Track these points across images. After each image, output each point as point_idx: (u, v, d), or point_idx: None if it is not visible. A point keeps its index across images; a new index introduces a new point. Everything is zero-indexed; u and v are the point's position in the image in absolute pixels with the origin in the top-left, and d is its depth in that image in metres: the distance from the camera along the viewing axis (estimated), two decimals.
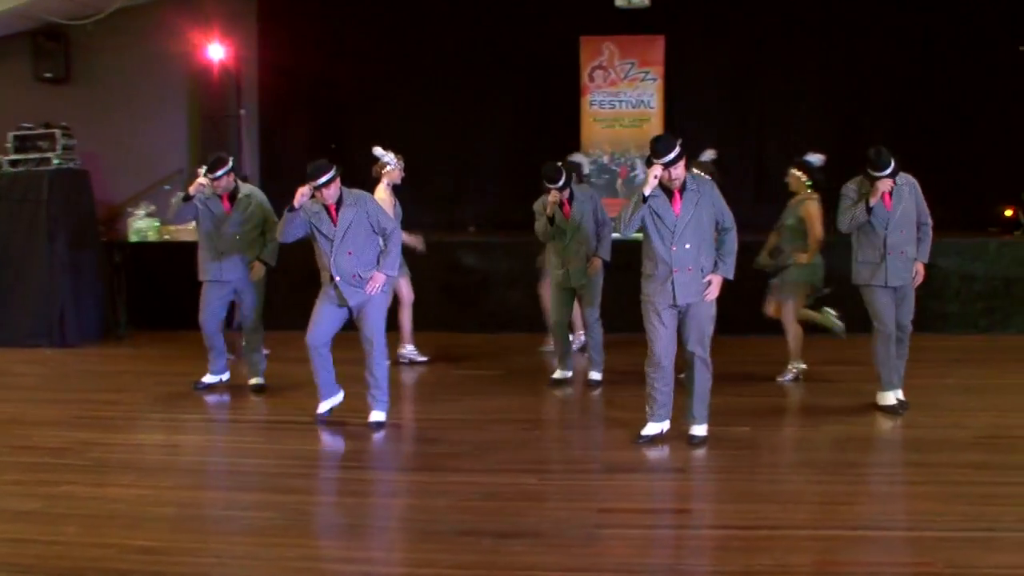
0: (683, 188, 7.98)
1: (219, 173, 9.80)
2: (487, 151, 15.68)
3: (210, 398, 10.14)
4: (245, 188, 10.21)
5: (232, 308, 10.80)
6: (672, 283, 7.98)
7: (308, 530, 6.74)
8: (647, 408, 8.31)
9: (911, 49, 15.14)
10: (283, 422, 9.02)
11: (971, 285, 12.76)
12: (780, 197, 14.22)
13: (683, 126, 15.30)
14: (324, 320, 8.79)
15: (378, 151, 10.51)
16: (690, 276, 7.99)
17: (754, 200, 15.34)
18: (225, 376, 10.57)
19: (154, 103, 15.69)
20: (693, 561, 6.01)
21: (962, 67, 15.01)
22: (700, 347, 8.17)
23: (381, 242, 8.85)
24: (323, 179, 8.44)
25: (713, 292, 8.02)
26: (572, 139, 14.85)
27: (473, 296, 11.11)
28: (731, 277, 8.13)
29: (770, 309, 10.38)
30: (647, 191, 7.81)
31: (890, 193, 8.90)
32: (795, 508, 6.81)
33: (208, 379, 10.46)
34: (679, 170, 7.88)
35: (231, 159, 10.09)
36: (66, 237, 12.78)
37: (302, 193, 8.53)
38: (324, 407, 9.09)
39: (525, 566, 5.95)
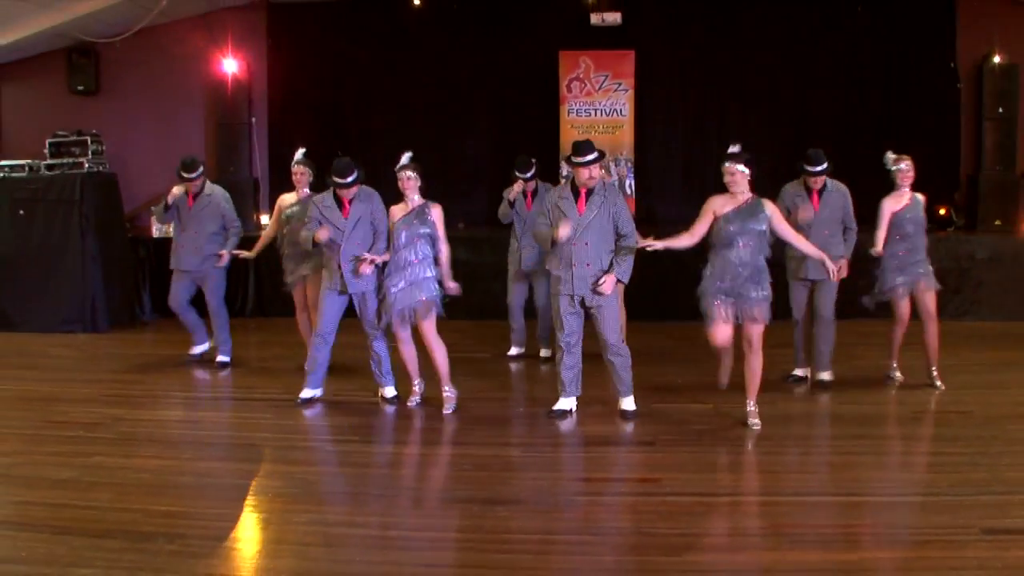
0: (590, 192, 8.05)
1: (194, 174, 10.16)
2: (475, 155, 15.67)
3: (223, 378, 10.12)
4: (207, 188, 10.42)
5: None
6: (572, 276, 8.04)
7: (315, 497, 6.73)
8: (558, 386, 8.43)
9: (855, 64, 15.18)
10: (291, 400, 8.98)
11: None
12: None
13: (652, 132, 15.41)
14: (329, 310, 8.74)
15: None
16: (588, 271, 8.03)
17: None
18: (205, 346, 10.82)
19: (174, 112, 15.67)
20: (662, 525, 6.01)
21: (900, 81, 15.08)
22: (612, 335, 8.19)
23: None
24: (348, 179, 8.52)
25: (605, 287, 7.98)
26: (552, 145, 14.86)
27: (462, 286, 11.05)
28: (624, 280, 8.14)
29: None
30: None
31: (819, 195, 9.01)
32: (752, 477, 6.86)
33: (194, 350, 10.79)
34: (592, 172, 8.00)
35: (201, 163, 10.39)
36: (96, 233, 12.73)
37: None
38: (308, 394, 8.96)
39: (510, 530, 5.98)
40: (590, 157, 7.97)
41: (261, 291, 12.92)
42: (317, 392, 8.97)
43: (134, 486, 6.72)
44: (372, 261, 8.50)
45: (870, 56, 15.17)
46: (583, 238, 8.00)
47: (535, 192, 10.27)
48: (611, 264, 8.05)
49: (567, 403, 8.42)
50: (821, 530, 5.92)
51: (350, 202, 8.64)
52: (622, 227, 8.09)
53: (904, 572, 5.35)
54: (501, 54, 15.69)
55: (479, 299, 11.26)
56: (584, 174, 8.00)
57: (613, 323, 8.16)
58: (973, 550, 5.54)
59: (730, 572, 5.39)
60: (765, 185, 15.15)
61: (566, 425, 8.21)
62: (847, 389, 9.25)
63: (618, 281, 8.08)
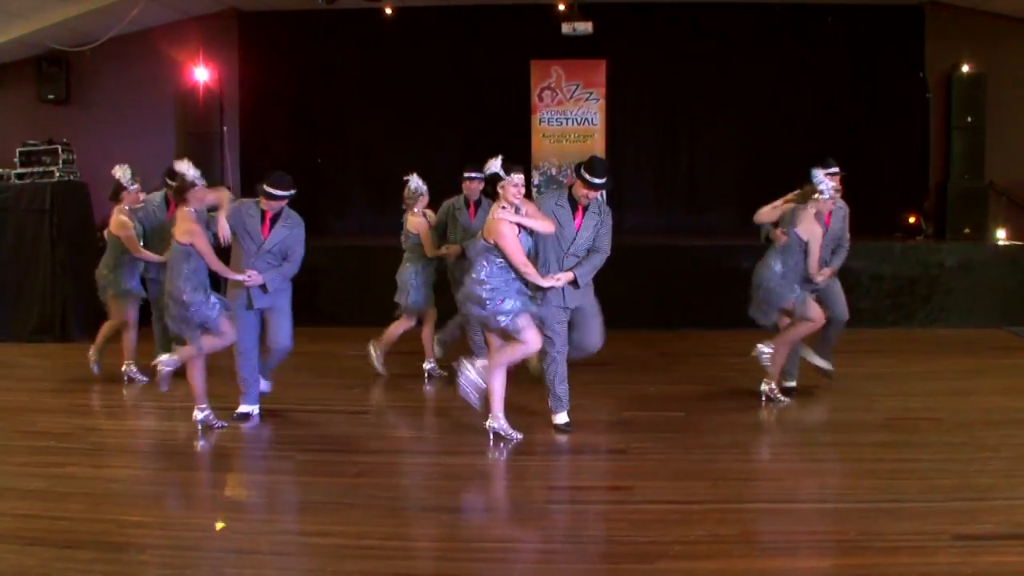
0: (586, 208, 8.02)
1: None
2: (447, 164, 15.64)
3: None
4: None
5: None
6: (564, 288, 7.91)
7: (285, 507, 6.74)
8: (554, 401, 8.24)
9: (826, 74, 15.29)
10: (261, 411, 8.92)
11: (880, 284, 12.87)
12: (708, 205, 14.22)
13: (623, 142, 15.46)
14: (244, 326, 8.36)
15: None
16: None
17: (686, 209, 15.46)
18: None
19: (145, 121, 15.58)
20: (634, 533, 6.02)
21: (870, 91, 15.25)
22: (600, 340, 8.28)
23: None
24: (282, 193, 8.16)
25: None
26: (524, 154, 14.88)
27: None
28: (581, 282, 7.93)
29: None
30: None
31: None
32: (724, 484, 6.85)
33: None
34: (590, 194, 7.96)
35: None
36: (67, 243, 12.66)
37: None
38: (249, 408, 8.66)
39: (482, 538, 6.00)
40: (599, 181, 7.91)
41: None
42: (254, 408, 8.69)
43: (105, 496, 6.68)
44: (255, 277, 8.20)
45: (840, 66, 15.29)
46: (575, 252, 8.00)
47: (478, 203, 10.23)
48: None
49: (565, 416, 8.29)
50: (792, 537, 5.96)
51: (273, 219, 8.29)
52: (599, 241, 8.07)
53: None
54: (472, 63, 15.74)
55: (448, 309, 11.23)
56: (581, 190, 7.97)
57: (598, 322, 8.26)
58: (944, 556, 5.58)
59: None
60: (736, 196, 15.35)
61: (538, 434, 8.15)
62: (816, 396, 9.31)
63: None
